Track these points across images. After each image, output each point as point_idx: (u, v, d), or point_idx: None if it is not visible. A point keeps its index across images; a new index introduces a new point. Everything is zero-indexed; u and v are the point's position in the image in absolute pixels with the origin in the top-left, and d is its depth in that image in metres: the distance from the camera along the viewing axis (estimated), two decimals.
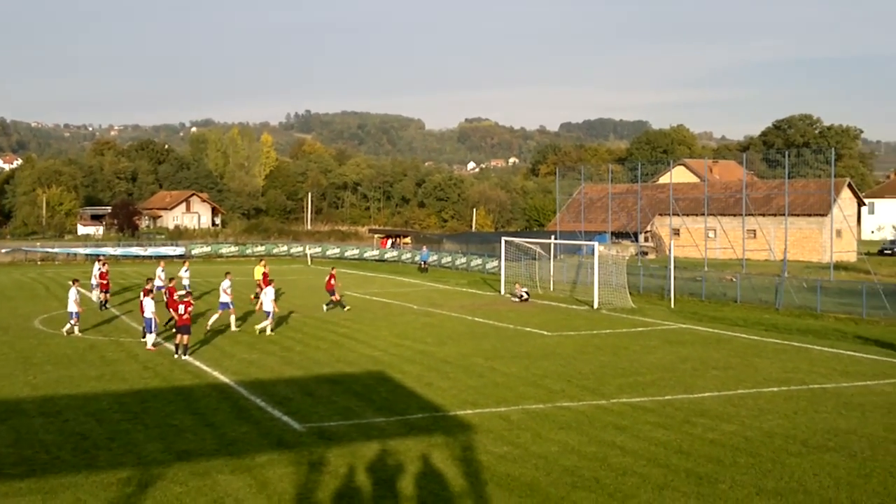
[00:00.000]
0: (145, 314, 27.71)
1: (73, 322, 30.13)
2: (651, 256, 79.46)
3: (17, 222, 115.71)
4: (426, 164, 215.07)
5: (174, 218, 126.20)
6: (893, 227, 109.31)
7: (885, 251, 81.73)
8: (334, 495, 13.66)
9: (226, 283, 32.21)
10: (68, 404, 19.70)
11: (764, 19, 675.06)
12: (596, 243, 44.62)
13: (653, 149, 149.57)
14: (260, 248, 78.25)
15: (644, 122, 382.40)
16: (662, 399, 20.57)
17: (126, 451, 15.99)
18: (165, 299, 30.76)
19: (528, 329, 32.54)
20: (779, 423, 18.22)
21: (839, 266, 62.78)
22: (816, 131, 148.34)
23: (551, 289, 46.87)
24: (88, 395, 20.78)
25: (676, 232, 79.65)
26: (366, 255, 75.51)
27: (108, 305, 37.98)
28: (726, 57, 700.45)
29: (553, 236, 61.50)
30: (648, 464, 15.29)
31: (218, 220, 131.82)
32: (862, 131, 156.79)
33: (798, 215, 77.01)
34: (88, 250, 72.90)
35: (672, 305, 40.46)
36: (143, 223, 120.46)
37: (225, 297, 31.94)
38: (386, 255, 74.86)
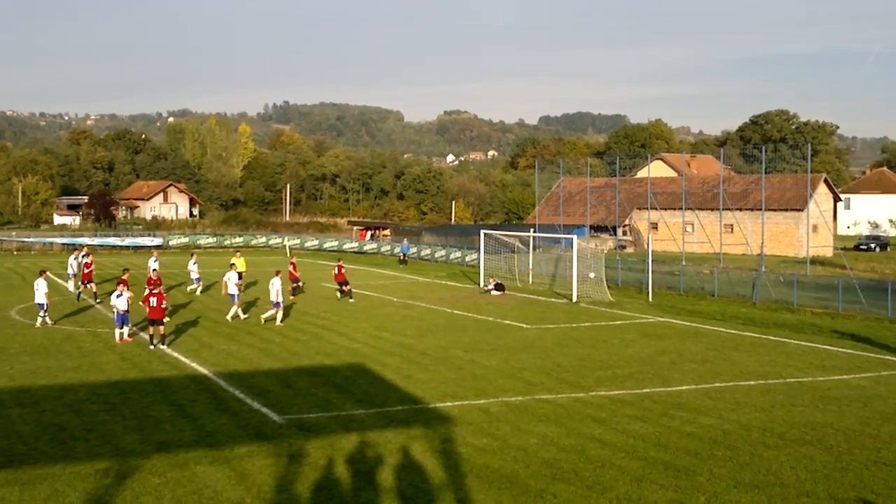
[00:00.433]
0: (119, 307, 26.85)
1: (42, 314, 29.84)
2: (629, 250, 79.78)
3: None
4: (405, 156, 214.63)
5: (151, 208, 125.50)
6: (869, 222, 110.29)
7: (861, 246, 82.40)
8: (314, 487, 13.65)
9: (232, 275, 32.46)
10: (45, 395, 19.57)
11: (741, 15, 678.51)
12: (575, 237, 44.72)
13: (631, 143, 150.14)
14: (238, 240, 77.97)
15: (622, 116, 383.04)
16: (641, 392, 20.67)
17: (104, 443, 15.91)
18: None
19: (508, 322, 32.60)
20: (756, 417, 18.35)
21: (815, 261, 63.30)
22: (793, 127, 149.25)
23: (530, 282, 46.97)
24: (66, 385, 20.66)
25: (654, 226, 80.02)
26: (345, 246, 75.36)
27: (98, 297, 37.14)
28: (704, 52, 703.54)
29: (532, 229, 61.65)
30: (627, 456, 15.37)
31: (196, 211, 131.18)
32: (838, 127, 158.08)
33: (775, 210, 77.48)
34: (65, 240, 72.47)
35: (650, 299, 40.65)
36: (121, 213, 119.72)
37: (233, 289, 32.13)
38: (365, 248, 74.75)
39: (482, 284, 44.03)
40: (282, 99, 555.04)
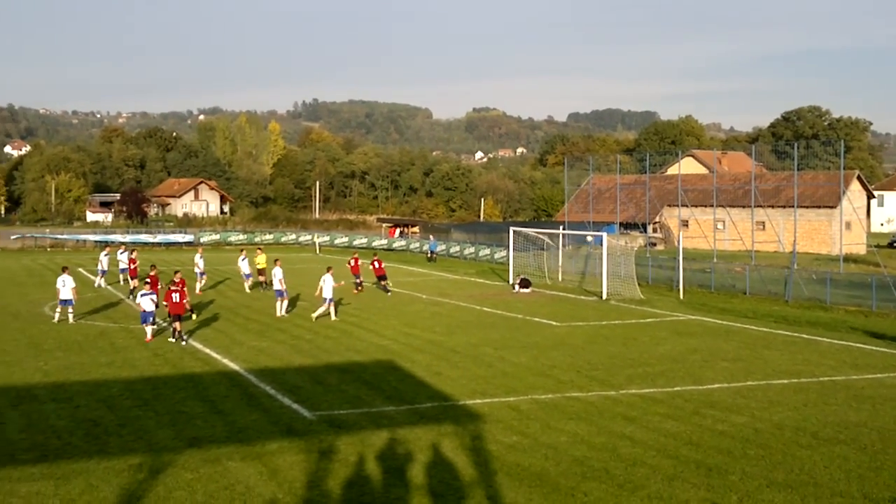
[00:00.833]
0: (145, 307, 26.77)
1: (70, 311, 30.06)
2: (660, 247, 79.33)
3: (27, 209, 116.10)
4: (434, 153, 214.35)
5: (183, 206, 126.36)
6: None
7: (895, 244, 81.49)
8: (344, 483, 13.69)
9: (277, 271, 32.82)
10: (79, 390, 19.79)
11: (773, 10, 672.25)
12: (604, 234, 44.53)
13: (661, 140, 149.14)
14: (268, 237, 78.45)
15: (652, 112, 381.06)
16: (672, 390, 20.55)
17: (137, 438, 16.05)
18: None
19: (537, 319, 32.52)
20: (789, 415, 18.19)
21: (848, 258, 62.66)
22: (825, 123, 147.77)
23: (560, 279, 46.83)
24: (99, 381, 20.87)
25: (685, 223, 79.50)
26: (374, 243, 75.56)
27: (133, 294, 37.38)
28: (735, 48, 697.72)
29: (561, 227, 61.48)
30: (658, 455, 15.29)
31: (226, 209, 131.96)
32: (871, 123, 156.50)
33: (807, 207, 76.76)
34: (98, 237, 73.18)
35: (681, 296, 40.40)
36: (152, 211, 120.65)
37: (278, 286, 32.62)
38: (394, 245, 74.95)
39: (511, 282, 43.94)
40: (311, 96, 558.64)
